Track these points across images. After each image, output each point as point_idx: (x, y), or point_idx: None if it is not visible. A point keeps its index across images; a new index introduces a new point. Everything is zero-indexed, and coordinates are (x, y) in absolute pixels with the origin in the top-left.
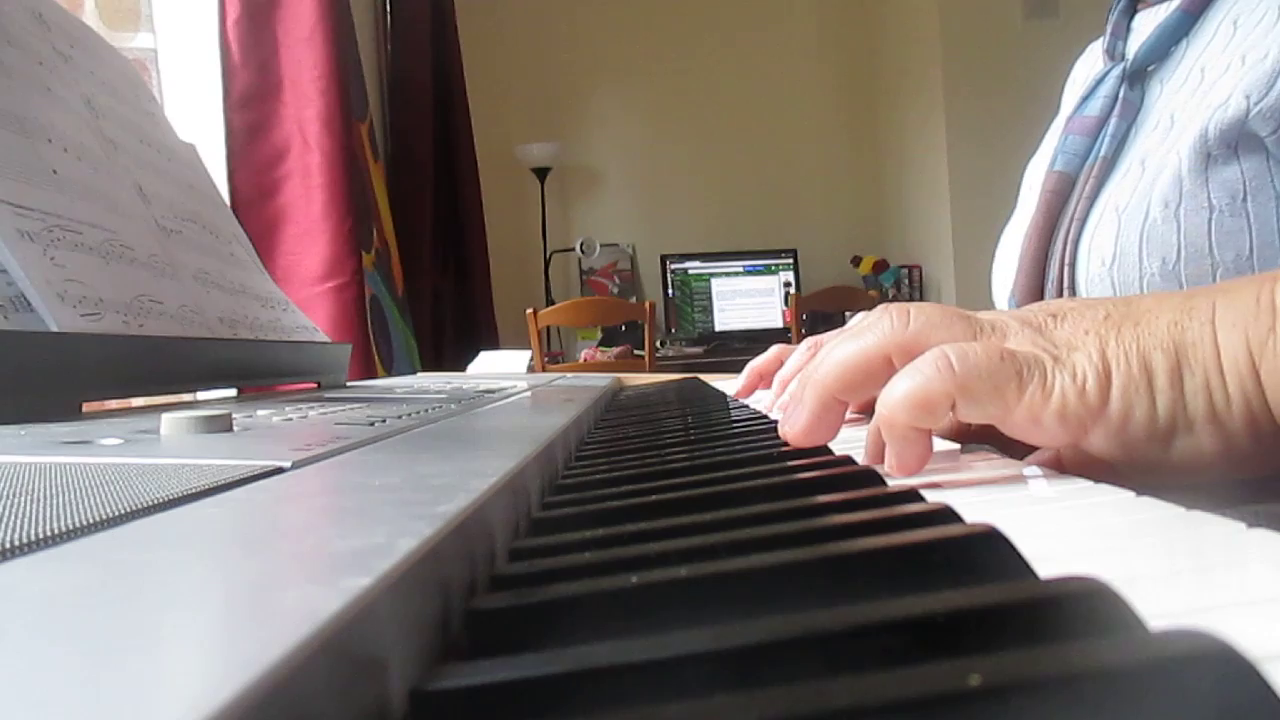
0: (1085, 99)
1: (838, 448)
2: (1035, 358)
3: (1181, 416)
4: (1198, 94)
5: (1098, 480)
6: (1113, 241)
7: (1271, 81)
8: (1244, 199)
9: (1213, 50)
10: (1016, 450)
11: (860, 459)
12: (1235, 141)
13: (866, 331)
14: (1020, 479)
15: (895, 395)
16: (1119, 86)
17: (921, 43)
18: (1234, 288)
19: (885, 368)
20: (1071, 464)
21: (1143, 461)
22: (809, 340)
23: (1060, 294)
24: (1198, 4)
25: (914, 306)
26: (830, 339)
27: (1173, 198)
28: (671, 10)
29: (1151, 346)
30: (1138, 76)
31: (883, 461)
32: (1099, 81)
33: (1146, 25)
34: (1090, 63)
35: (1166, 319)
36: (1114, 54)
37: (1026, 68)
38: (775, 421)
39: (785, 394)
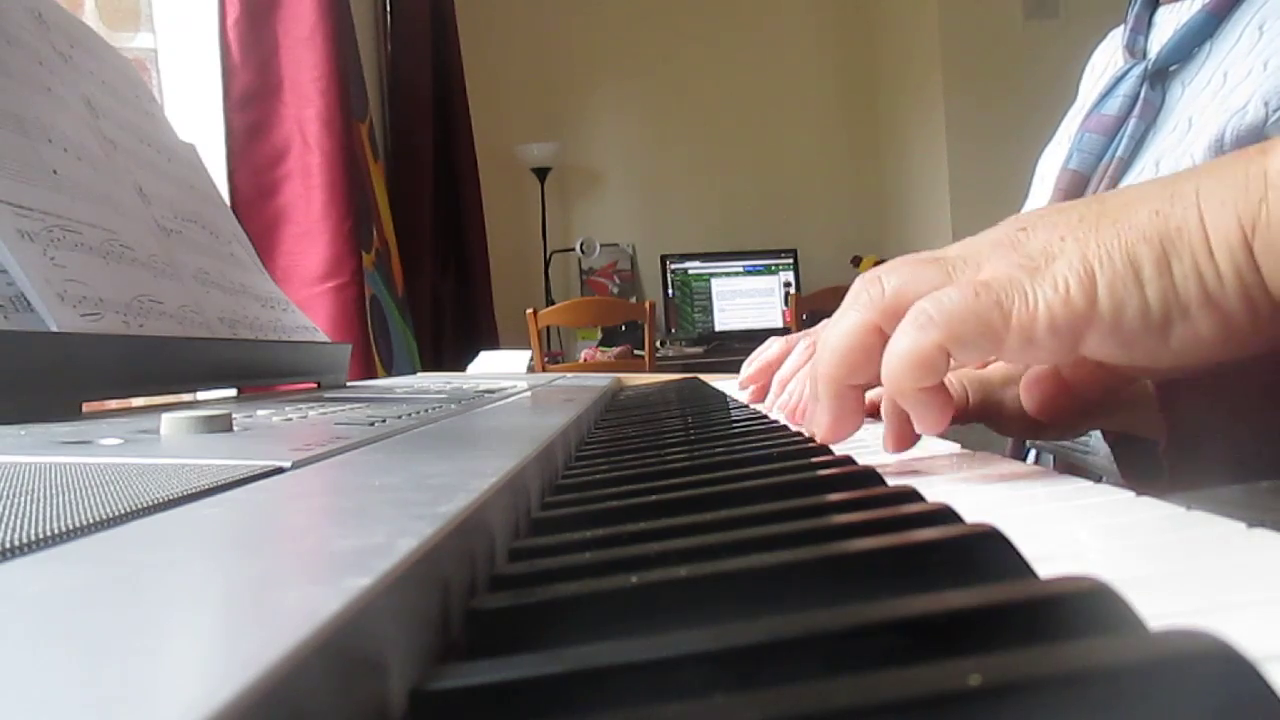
0: (1104, 96)
1: (838, 448)
2: (1011, 279)
3: (1175, 304)
4: (1218, 98)
5: (1099, 391)
6: None
7: None
8: None
9: (1236, 54)
10: (1012, 427)
11: (860, 459)
12: None
13: (849, 310)
14: (1021, 479)
15: (892, 364)
16: (1140, 86)
17: (921, 43)
18: (1218, 166)
19: (879, 339)
20: (1074, 378)
21: (1143, 356)
22: (805, 341)
23: None
24: (1223, 6)
25: (884, 268)
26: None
27: None
28: (671, 10)
29: (1134, 239)
30: (1159, 76)
31: (907, 444)
32: (1119, 79)
33: (1168, 22)
34: (1110, 51)
35: (1147, 209)
36: (1134, 50)
37: (1026, 68)
38: (775, 421)
39: (785, 394)
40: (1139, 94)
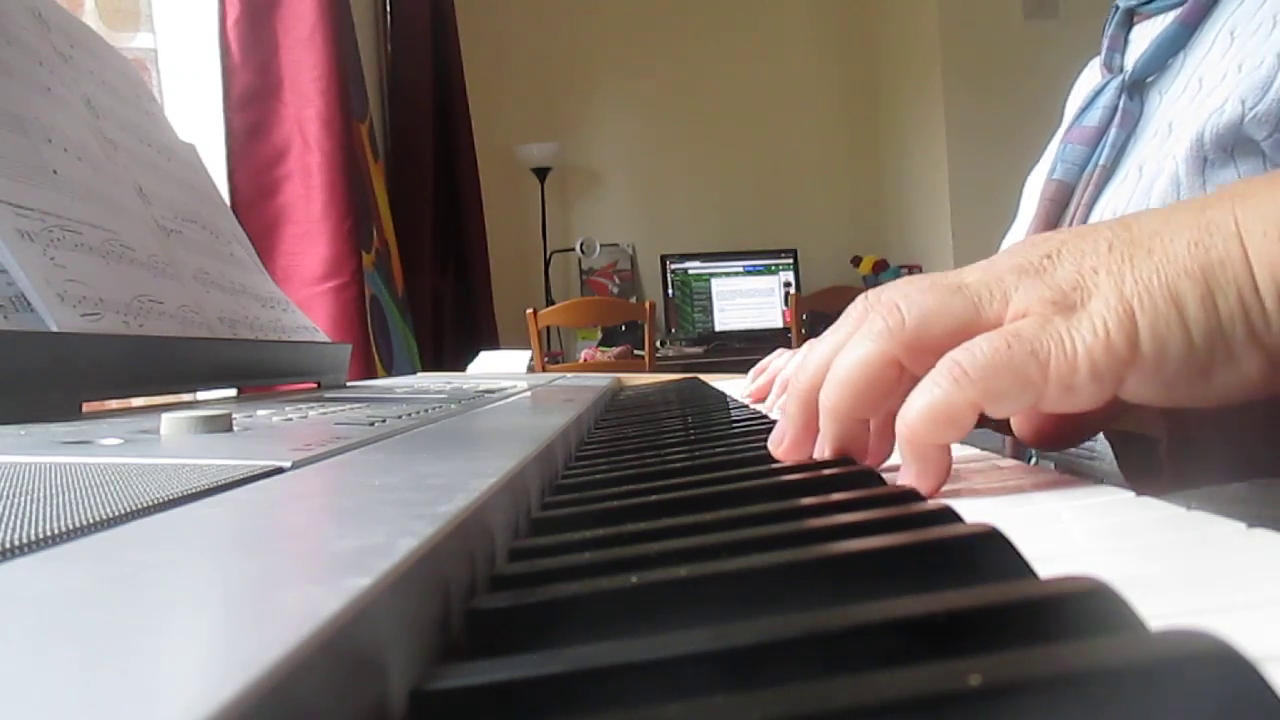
0: (1084, 110)
1: None
2: (1045, 325)
3: (1220, 344)
4: (1195, 101)
5: (1113, 415)
6: None
7: (1266, 86)
8: None
9: (1210, 60)
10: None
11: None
12: (1231, 146)
13: (863, 339)
14: (1021, 479)
15: (919, 414)
16: (1118, 97)
17: (921, 43)
18: (1253, 191)
19: (897, 375)
20: (1085, 415)
21: (1185, 397)
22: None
23: None
24: (1195, 16)
25: (896, 291)
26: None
27: (1170, 200)
28: (671, 10)
29: (1175, 274)
30: (1136, 87)
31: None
32: (1098, 93)
33: (1143, 37)
34: (1091, 79)
35: (1184, 240)
36: (1112, 67)
37: (1026, 68)
38: (775, 421)
39: (786, 395)
40: (1118, 105)
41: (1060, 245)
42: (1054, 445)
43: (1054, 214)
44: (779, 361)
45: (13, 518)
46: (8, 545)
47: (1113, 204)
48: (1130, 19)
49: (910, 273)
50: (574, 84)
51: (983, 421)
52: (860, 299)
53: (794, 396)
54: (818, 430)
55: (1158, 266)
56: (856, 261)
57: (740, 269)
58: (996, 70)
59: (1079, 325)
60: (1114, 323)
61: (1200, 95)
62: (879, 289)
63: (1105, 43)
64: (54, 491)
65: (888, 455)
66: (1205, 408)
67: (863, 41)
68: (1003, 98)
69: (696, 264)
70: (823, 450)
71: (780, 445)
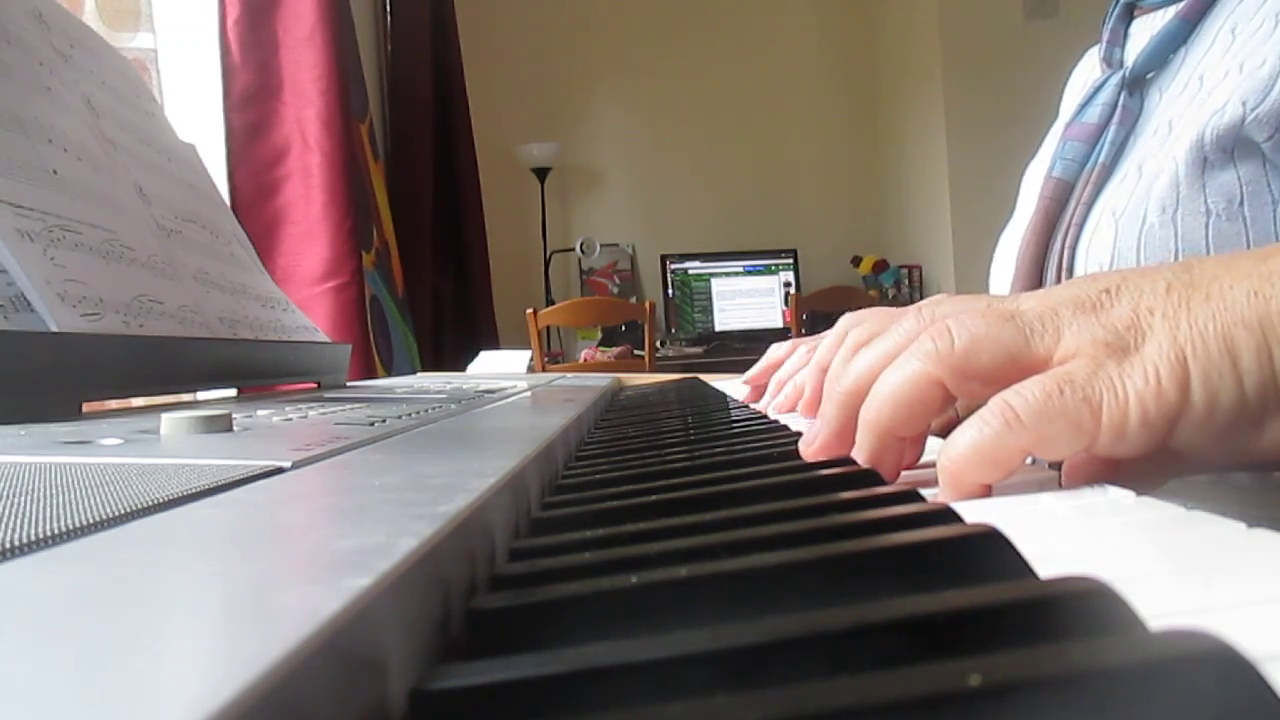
0: (1084, 106)
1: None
2: (1097, 365)
3: (1274, 396)
4: (1196, 100)
5: (1160, 474)
6: (1110, 246)
7: (1268, 88)
8: (1240, 203)
9: (1211, 57)
10: None
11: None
12: (1232, 147)
13: (910, 358)
14: (1021, 479)
15: (961, 449)
16: (1118, 94)
17: (921, 43)
18: None
19: (941, 395)
20: (1131, 464)
21: (1234, 451)
22: (809, 343)
23: None
24: (1196, 11)
25: (948, 311)
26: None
27: (1170, 202)
28: (671, 10)
29: (1231, 323)
30: (1136, 84)
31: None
32: (1097, 89)
33: (1143, 32)
34: (1088, 69)
35: (1244, 289)
36: (1111, 61)
37: (1026, 68)
38: (775, 422)
39: (780, 395)
40: (1118, 101)
41: (1120, 282)
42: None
43: (1053, 212)
44: (777, 356)
45: (13, 518)
46: (8, 545)
47: (1111, 203)
48: (1130, 12)
49: (910, 273)
50: (574, 84)
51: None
52: (914, 310)
53: (833, 400)
54: (852, 438)
55: (1214, 313)
56: (856, 261)
57: (740, 269)
58: (996, 70)
59: (1131, 371)
60: (1165, 370)
61: (1201, 94)
62: (934, 304)
63: (1105, 36)
64: (54, 491)
65: (913, 463)
66: (1256, 464)
67: (863, 41)
68: (1003, 97)
69: (696, 264)
70: (858, 459)
71: (811, 447)
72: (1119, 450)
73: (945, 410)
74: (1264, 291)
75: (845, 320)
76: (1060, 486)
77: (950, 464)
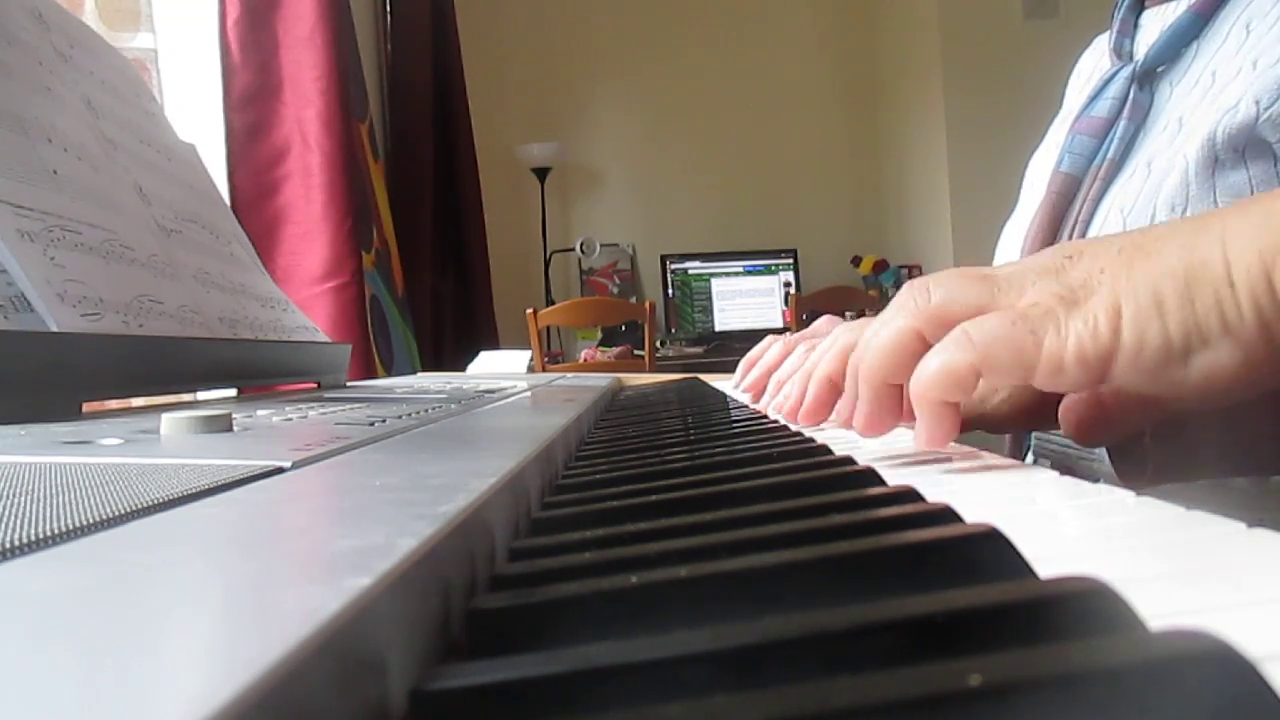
0: (1093, 99)
1: (838, 448)
2: (1048, 310)
3: (1195, 334)
4: (1208, 97)
5: (1136, 415)
6: None
7: None
8: None
9: (1224, 54)
10: (1004, 426)
11: (861, 460)
12: (1243, 146)
13: (897, 314)
14: (1021, 479)
15: (925, 372)
16: (1128, 88)
17: (921, 43)
18: (1247, 205)
19: (920, 345)
20: (1114, 403)
21: (1167, 386)
22: (805, 344)
23: None
24: (1210, 5)
25: (932, 279)
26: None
27: (1179, 201)
28: (671, 10)
29: (1161, 274)
30: (1147, 78)
31: (879, 431)
32: (1107, 81)
33: (1154, 24)
34: (1095, 57)
35: (1176, 244)
36: (1121, 53)
37: (1026, 68)
38: (775, 421)
39: (780, 394)
40: (1128, 95)
41: (1082, 249)
42: (1093, 439)
43: (1060, 207)
44: (770, 355)
45: (13, 518)
46: (8, 545)
47: (1119, 199)
48: (1141, 3)
49: (910, 273)
50: (574, 84)
51: (1013, 421)
52: (906, 286)
53: (822, 370)
54: (831, 405)
55: (1150, 269)
56: (856, 261)
57: (740, 269)
58: (996, 70)
59: (1076, 316)
60: (1103, 315)
61: (1213, 91)
62: (924, 277)
63: (1115, 26)
64: (54, 491)
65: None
66: (1191, 402)
67: (863, 41)
68: (1003, 97)
69: (696, 264)
70: (858, 414)
71: (801, 410)
72: (1057, 383)
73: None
74: (1190, 244)
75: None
76: (1059, 486)
77: (917, 384)
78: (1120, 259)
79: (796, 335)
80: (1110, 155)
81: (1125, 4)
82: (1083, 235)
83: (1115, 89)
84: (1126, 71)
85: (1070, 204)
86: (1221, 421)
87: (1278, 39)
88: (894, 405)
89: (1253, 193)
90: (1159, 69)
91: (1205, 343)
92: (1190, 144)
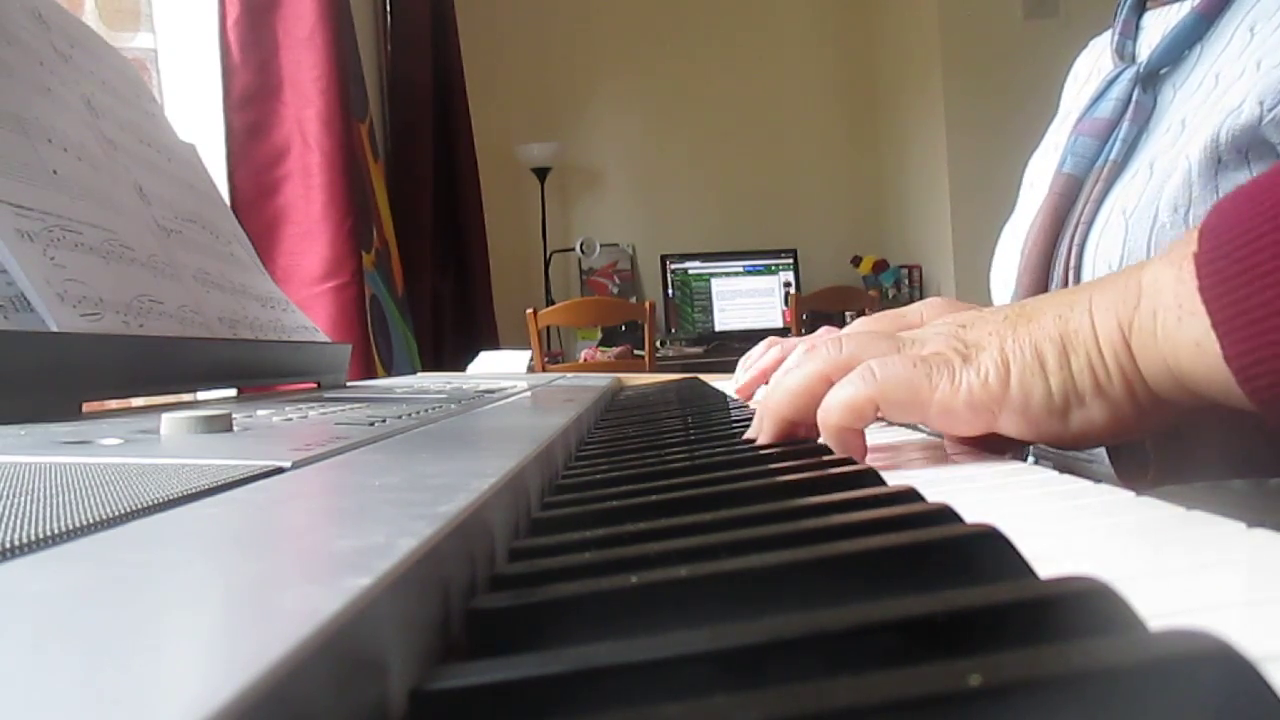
0: (1095, 100)
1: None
2: (945, 359)
3: (1073, 393)
4: (1210, 99)
5: (1013, 455)
6: (1120, 245)
7: None
8: None
9: (1228, 55)
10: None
11: (880, 465)
12: (1246, 148)
13: (808, 360)
14: (1021, 479)
15: (829, 403)
16: (1131, 89)
17: (921, 43)
18: (1108, 280)
19: (825, 388)
20: (991, 447)
21: (1048, 436)
22: (807, 340)
23: None
24: (1213, 8)
25: (845, 335)
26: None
27: (1182, 201)
28: (671, 10)
29: (1041, 338)
30: (1150, 80)
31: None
32: (1110, 83)
33: (1156, 25)
34: (1093, 58)
35: (1052, 314)
36: (1124, 54)
37: (1026, 67)
38: None
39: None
40: (1131, 97)
41: (975, 319)
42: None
43: (1062, 208)
44: (766, 359)
45: (13, 518)
46: (8, 545)
47: (1122, 200)
48: (1142, 4)
49: (910, 273)
50: (574, 84)
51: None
52: (820, 334)
53: (767, 415)
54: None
55: (1031, 332)
56: (856, 261)
57: (740, 269)
58: (996, 69)
59: (969, 368)
60: (993, 369)
61: (1216, 92)
62: (839, 331)
63: (1117, 27)
64: (54, 491)
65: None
66: (1069, 448)
67: (863, 41)
68: (1003, 97)
69: (696, 264)
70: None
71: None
72: (948, 425)
73: None
74: (1065, 315)
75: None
76: (1059, 486)
77: (823, 415)
78: (1006, 324)
79: (794, 339)
80: (1113, 156)
81: (1127, 5)
82: (1085, 235)
83: (1118, 90)
84: (1129, 73)
85: (1073, 205)
86: (1221, 425)
87: None
88: (792, 438)
89: None
90: (1162, 71)
91: (1081, 401)
92: (1193, 145)
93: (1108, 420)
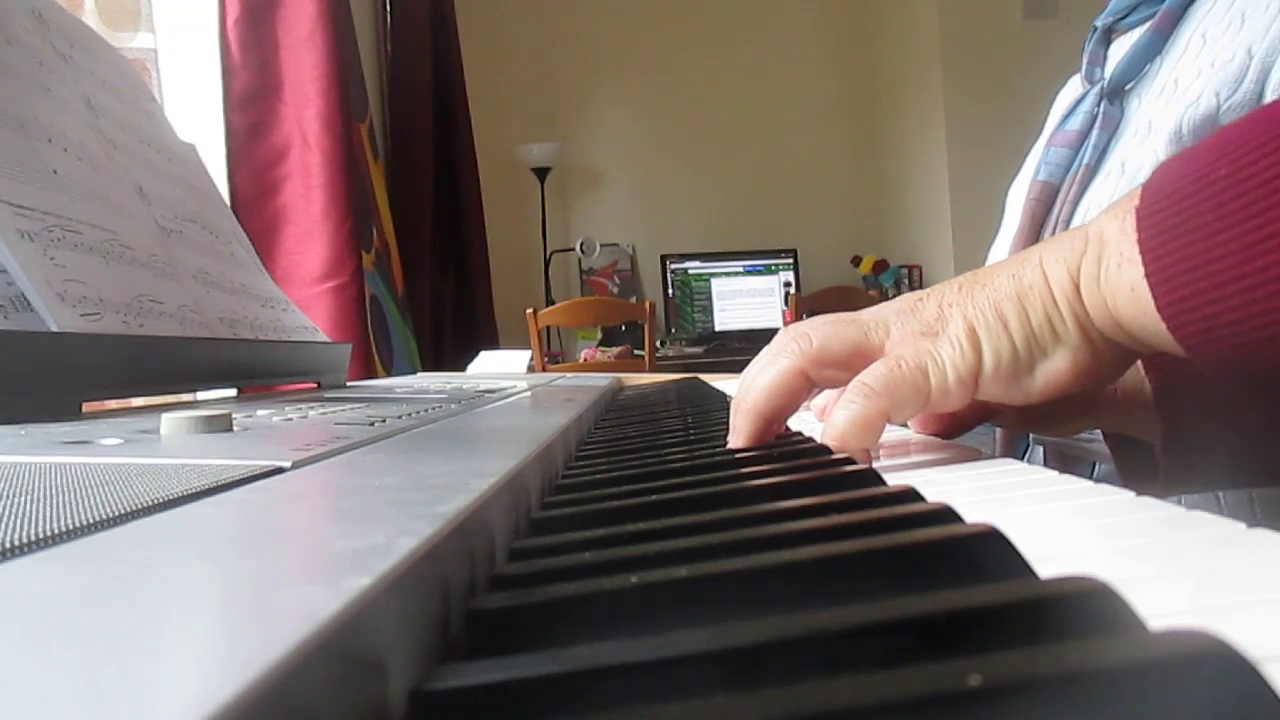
0: (1067, 116)
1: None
2: (919, 349)
3: (1036, 347)
4: (1173, 100)
5: (995, 421)
6: None
7: (1239, 79)
8: None
9: (1185, 62)
10: (1011, 425)
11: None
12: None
13: (779, 356)
14: (1021, 480)
15: (840, 425)
16: (1098, 103)
17: (921, 43)
18: (1057, 238)
19: (804, 384)
20: (974, 416)
21: (1020, 393)
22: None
23: None
24: (1167, 23)
25: (808, 325)
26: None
27: None
28: (672, 10)
29: (1000, 298)
30: (1116, 93)
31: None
32: (1079, 101)
33: (1122, 50)
34: (1073, 91)
35: (1005, 274)
36: (1092, 79)
37: (1026, 68)
38: None
39: None
40: (1099, 110)
41: (928, 294)
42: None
43: (1039, 213)
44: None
45: (13, 518)
46: (8, 545)
47: (1097, 199)
48: (1108, 36)
49: (910, 273)
50: (574, 84)
51: (967, 423)
52: (782, 333)
53: (741, 414)
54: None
55: (989, 295)
56: (856, 261)
57: (740, 269)
58: (996, 70)
59: (941, 345)
60: (964, 339)
61: (1177, 94)
62: (796, 324)
63: (1085, 58)
64: (54, 491)
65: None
66: (1038, 401)
67: (863, 42)
68: (1002, 98)
69: (696, 264)
70: (733, 444)
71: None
72: (946, 404)
73: (808, 398)
74: (1018, 274)
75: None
76: (1059, 486)
77: (835, 438)
78: (961, 293)
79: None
80: (1085, 161)
81: (1094, 39)
82: None
83: (1087, 105)
84: (1096, 90)
85: (1050, 210)
86: (1229, 433)
87: (1232, 39)
88: (769, 438)
89: None
90: (1127, 85)
91: (1044, 352)
92: (1159, 140)
93: (1070, 367)
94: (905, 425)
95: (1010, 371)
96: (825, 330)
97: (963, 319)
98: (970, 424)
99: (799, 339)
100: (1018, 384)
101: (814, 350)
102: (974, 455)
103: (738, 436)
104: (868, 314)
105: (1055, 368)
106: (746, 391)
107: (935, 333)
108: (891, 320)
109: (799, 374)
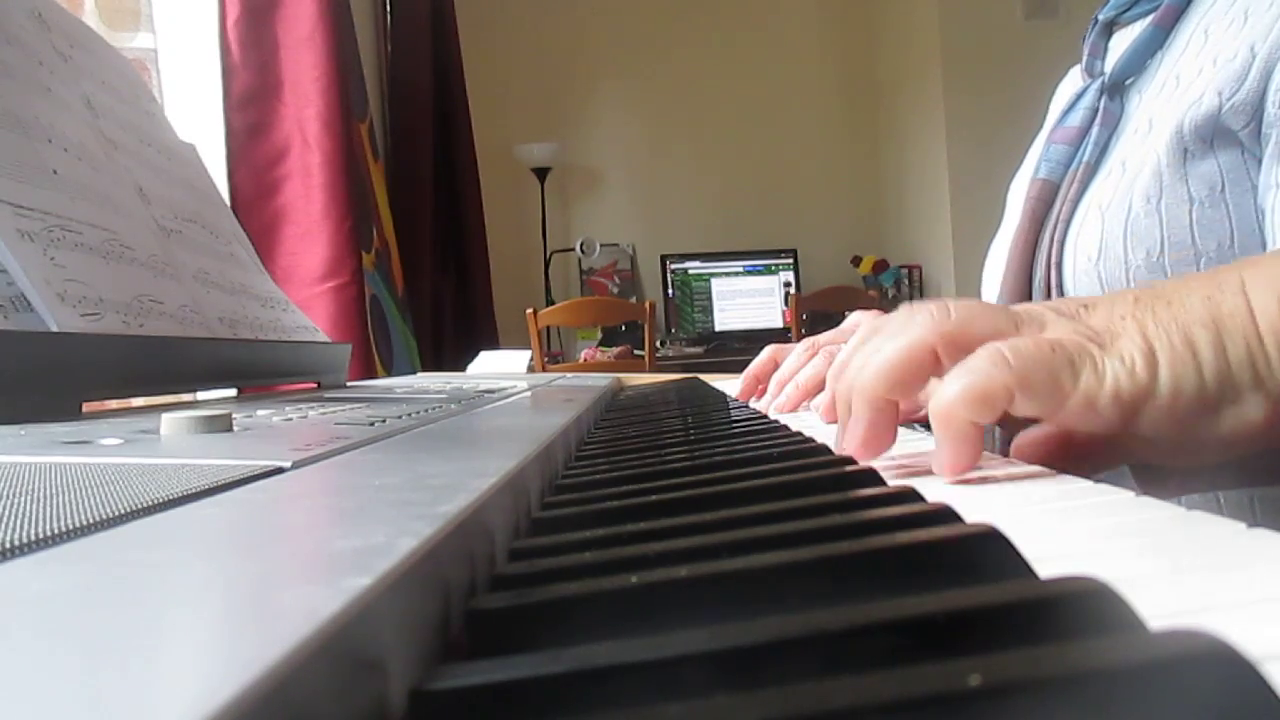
0: (1067, 112)
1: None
2: (1083, 346)
3: (1229, 385)
4: (1174, 97)
5: (1137, 460)
6: (1097, 238)
7: (1241, 78)
8: (1222, 189)
9: (1186, 58)
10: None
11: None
12: (1210, 136)
13: (908, 327)
14: (1020, 479)
15: (953, 390)
16: (1099, 99)
17: (921, 43)
18: (1259, 259)
19: (933, 362)
20: (1084, 447)
21: (1194, 435)
22: (807, 341)
23: (1048, 295)
24: (1169, 18)
25: (949, 301)
26: (827, 339)
27: (1154, 192)
28: (672, 10)
29: (1190, 321)
30: (1116, 89)
31: (875, 452)
32: (1079, 95)
33: (1122, 44)
34: (1074, 83)
35: (1199, 295)
36: (1093, 72)
37: (1026, 68)
38: (775, 421)
39: (782, 395)
40: (1099, 105)
41: (1097, 300)
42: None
43: (1040, 211)
44: (759, 361)
45: (13, 518)
46: (8, 545)
47: (1098, 198)
48: (1109, 29)
49: (910, 273)
50: (574, 84)
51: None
52: (866, 315)
53: (858, 396)
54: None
55: (1175, 315)
56: (856, 261)
57: (740, 269)
58: (996, 70)
59: (1110, 355)
60: (1139, 357)
61: (1178, 92)
62: (936, 300)
63: (1085, 50)
64: (54, 491)
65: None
66: (1210, 454)
67: (863, 41)
68: (1003, 97)
69: (696, 264)
70: (853, 432)
71: (855, 445)
72: (1085, 421)
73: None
74: (1214, 296)
75: (855, 317)
76: (1059, 486)
77: (944, 405)
78: (1140, 306)
79: (825, 337)
80: (1086, 159)
81: (1095, 31)
82: (1064, 233)
83: (1087, 100)
84: (1096, 85)
85: (1049, 208)
86: (1249, 470)
87: (1235, 36)
88: (891, 423)
89: (1223, 182)
90: (1127, 81)
91: (1237, 395)
92: (1160, 139)
93: (1264, 417)
94: (996, 431)
95: (1191, 409)
96: (969, 306)
97: (1140, 335)
98: (1101, 465)
99: (936, 310)
100: (1195, 425)
101: (952, 326)
102: (1042, 472)
103: (857, 422)
104: (1022, 307)
105: (1248, 416)
106: (858, 369)
107: (1102, 344)
108: (1049, 318)
109: (928, 349)
